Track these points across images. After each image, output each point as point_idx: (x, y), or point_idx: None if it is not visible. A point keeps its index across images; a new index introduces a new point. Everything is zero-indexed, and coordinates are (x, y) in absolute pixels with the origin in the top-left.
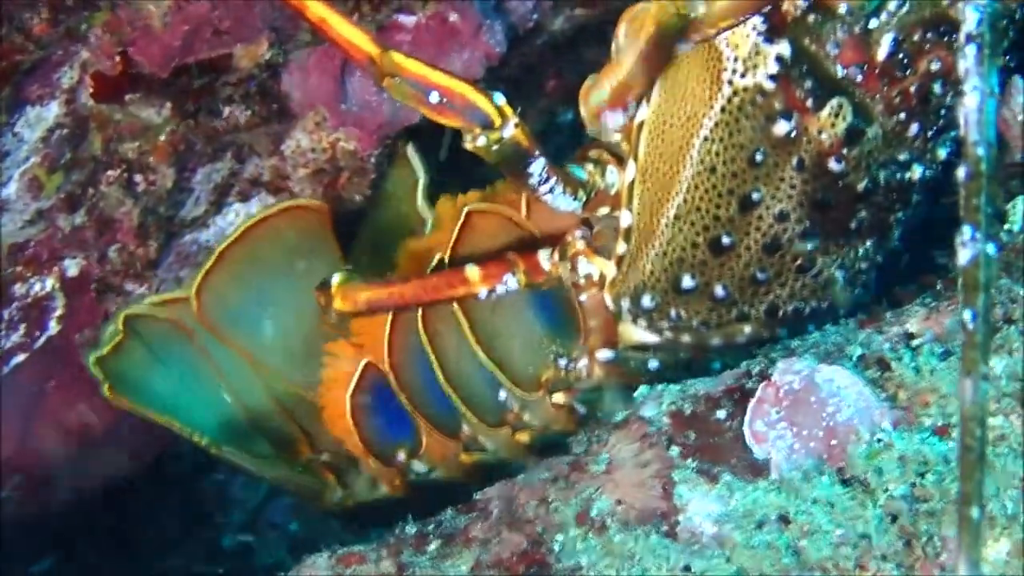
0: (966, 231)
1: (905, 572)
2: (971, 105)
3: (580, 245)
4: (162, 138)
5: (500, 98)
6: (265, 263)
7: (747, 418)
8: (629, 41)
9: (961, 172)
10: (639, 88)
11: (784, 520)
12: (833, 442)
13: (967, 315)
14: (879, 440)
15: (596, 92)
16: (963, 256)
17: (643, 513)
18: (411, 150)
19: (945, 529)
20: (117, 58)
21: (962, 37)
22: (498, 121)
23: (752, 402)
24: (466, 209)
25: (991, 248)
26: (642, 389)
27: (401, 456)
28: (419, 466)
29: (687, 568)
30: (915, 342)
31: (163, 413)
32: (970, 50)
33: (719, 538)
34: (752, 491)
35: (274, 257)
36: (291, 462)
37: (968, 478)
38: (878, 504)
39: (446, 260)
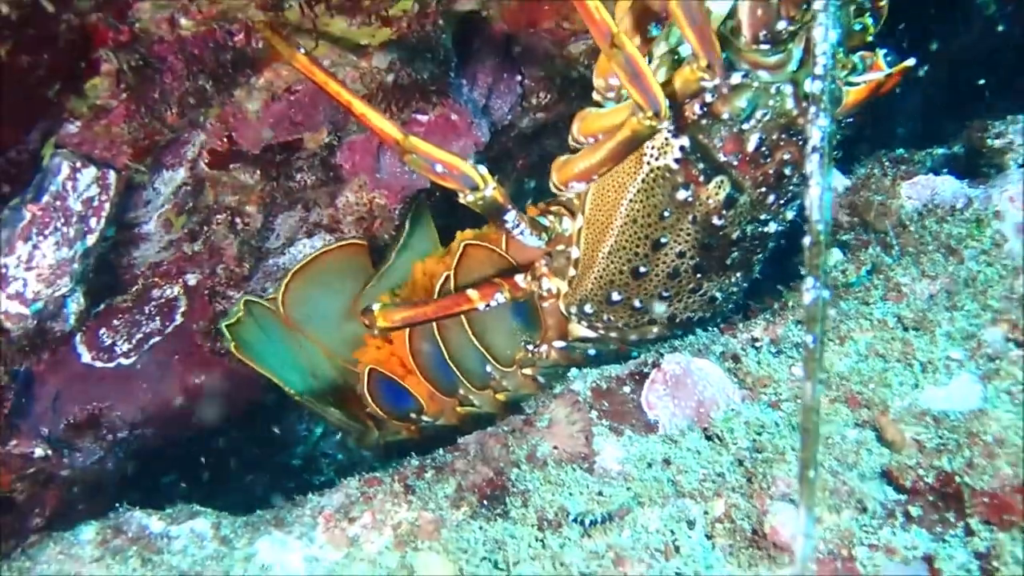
0: (809, 281)
1: (747, 499)
2: (814, 195)
3: (544, 270)
4: (254, 194)
5: (483, 169)
6: (326, 280)
7: (644, 392)
8: (605, 138)
9: (806, 240)
10: (603, 171)
11: (667, 462)
12: (701, 410)
13: (809, 339)
14: (732, 409)
15: (568, 168)
16: (807, 298)
17: (571, 456)
18: (420, 202)
19: (775, 471)
20: (225, 139)
21: (809, 148)
22: (482, 185)
23: (647, 382)
24: (464, 243)
25: (826, 293)
26: (573, 371)
27: (412, 415)
28: (427, 418)
29: (600, 493)
30: (758, 344)
31: (267, 368)
32: (815, 157)
33: (622, 474)
34: (645, 442)
35: (332, 276)
36: (348, 412)
37: (807, 450)
38: (730, 452)
39: (451, 277)
